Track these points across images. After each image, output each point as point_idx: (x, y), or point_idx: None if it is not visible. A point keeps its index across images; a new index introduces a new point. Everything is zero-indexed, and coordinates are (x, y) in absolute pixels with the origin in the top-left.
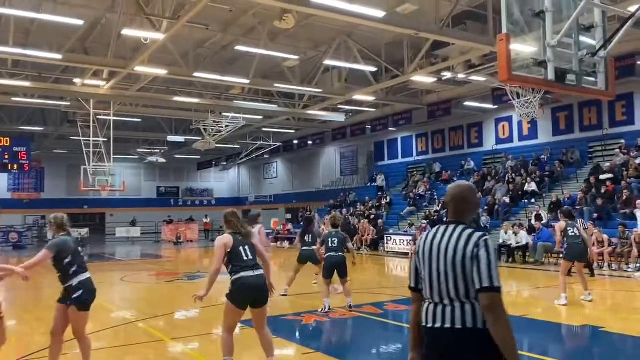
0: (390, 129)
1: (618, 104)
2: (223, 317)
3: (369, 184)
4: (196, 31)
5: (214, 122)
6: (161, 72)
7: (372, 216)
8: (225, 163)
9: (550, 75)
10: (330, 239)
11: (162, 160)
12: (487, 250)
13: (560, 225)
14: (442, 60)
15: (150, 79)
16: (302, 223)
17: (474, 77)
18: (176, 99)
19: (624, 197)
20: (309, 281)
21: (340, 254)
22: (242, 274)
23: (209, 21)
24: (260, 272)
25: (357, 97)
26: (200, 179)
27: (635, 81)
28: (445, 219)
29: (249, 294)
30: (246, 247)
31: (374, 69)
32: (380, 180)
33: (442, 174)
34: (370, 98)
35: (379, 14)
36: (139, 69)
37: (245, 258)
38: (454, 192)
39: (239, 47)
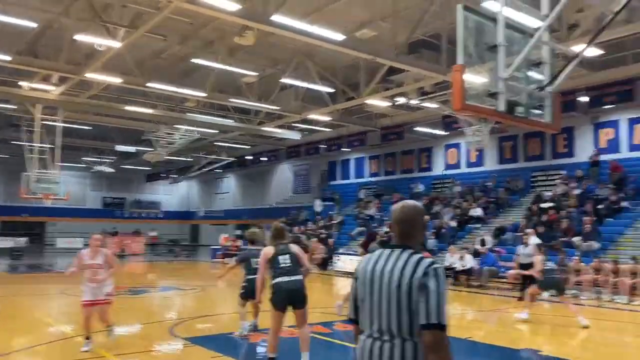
0: (344, 149)
1: (560, 137)
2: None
3: (321, 203)
4: (153, 41)
5: (166, 133)
6: (115, 80)
7: (323, 235)
8: (175, 176)
9: (501, 107)
10: (254, 259)
11: (110, 170)
12: (438, 281)
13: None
14: (396, 86)
15: (103, 86)
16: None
17: (426, 104)
18: (128, 108)
19: (564, 226)
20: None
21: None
22: (279, 279)
23: (168, 32)
24: (298, 277)
25: (313, 116)
26: (148, 191)
27: (576, 116)
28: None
29: (285, 297)
30: (286, 256)
31: (330, 90)
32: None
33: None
34: (326, 118)
35: (339, 37)
36: (92, 75)
37: (282, 265)
38: (399, 213)
39: (196, 60)
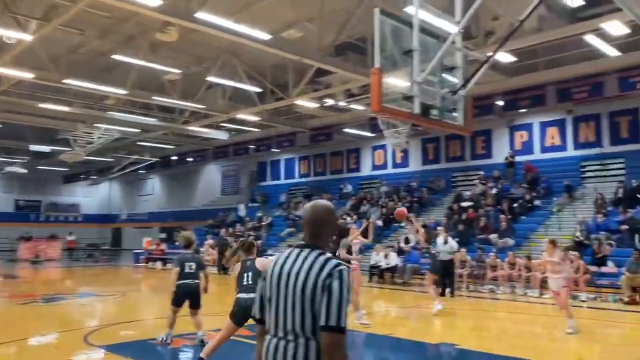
0: (273, 150)
1: (479, 139)
2: None
3: (250, 204)
4: (70, 35)
5: (85, 132)
6: (27, 75)
7: (251, 237)
8: (95, 177)
9: (416, 110)
10: (188, 264)
11: (22, 170)
12: (341, 283)
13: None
14: (324, 87)
15: (13, 82)
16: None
17: (353, 106)
18: (43, 105)
19: (482, 224)
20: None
21: (196, 281)
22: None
23: (85, 26)
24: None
25: (241, 116)
26: (66, 193)
27: (493, 119)
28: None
29: (243, 314)
30: (249, 273)
31: (258, 90)
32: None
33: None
34: (255, 118)
35: (264, 36)
36: (0, 70)
37: (245, 283)
38: (309, 213)
39: (116, 56)
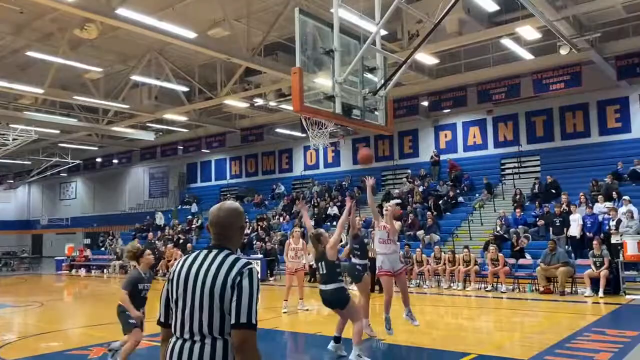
0: (203, 150)
1: (406, 138)
2: None
3: (180, 207)
4: None
5: None
6: None
7: (181, 240)
8: (12, 181)
9: (338, 109)
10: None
11: None
12: (251, 281)
13: None
14: (254, 87)
15: None
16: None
17: (284, 106)
18: None
19: (409, 221)
20: (105, 312)
21: None
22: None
23: None
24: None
25: (168, 116)
26: None
27: (419, 119)
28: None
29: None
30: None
31: (186, 89)
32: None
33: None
34: (183, 118)
35: (190, 34)
36: None
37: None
38: (215, 216)
39: (31, 53)
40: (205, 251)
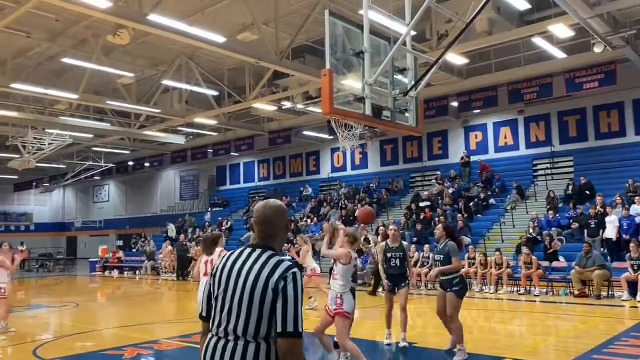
0: (232, 153)
1: (435, 139)
2: None
3: (210, 209)
4: (17, 38)
5: (35, 138)
6: None
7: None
8: (47, 184)
9: (368, 111)
10: None
11: None
12: (296, 287)
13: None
14: (282, 90)
15: None
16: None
17: (311, 108)
18: None
19: (438, 223)
20: (138, 312)
21: None
22: None
23: (32, 29)
24: None
25: (198, 119)
26: (17, 201)
27: (448, 120)
28: None
29: None
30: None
31: (215, 93)
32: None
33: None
34: (212, 122)
35: (219, 39)
36: None
37: None
38: (260, 214)
39: (66, 59)
40: (249, 249)
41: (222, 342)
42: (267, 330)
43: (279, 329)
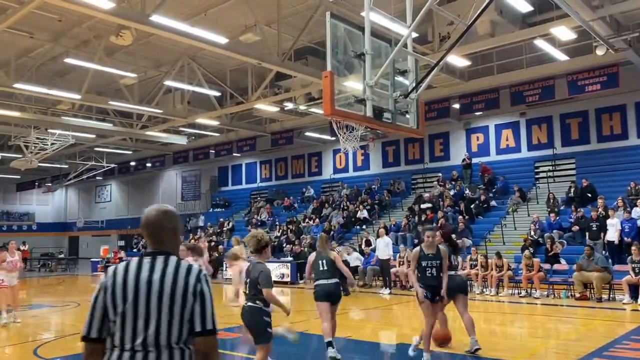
0: (234, 154)
1: (437, 141)
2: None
3: (211, 210)
4: (20, 38)
5: (38, 138)
6: None
7: (213, 243)
8: (50, 184)
9: (369, 113)
10: None
11: None
12: (209, 287)
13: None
14: (284, 91)
15: None
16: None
17: (314, 109)
18: None
19: (440, 225)
20: None
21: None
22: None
23: (35, 29)
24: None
25: (201, 120)
26: (19, 201)
27: (450, 122)
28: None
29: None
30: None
31: (217, 94)
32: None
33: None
34: (214, 122)
35: (222, 40)
36: None
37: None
38: (148, 218)
39: (69, 60)
40: (148, 258)
41: (140, 355)
42: (187, 334)
43: (199, 329)
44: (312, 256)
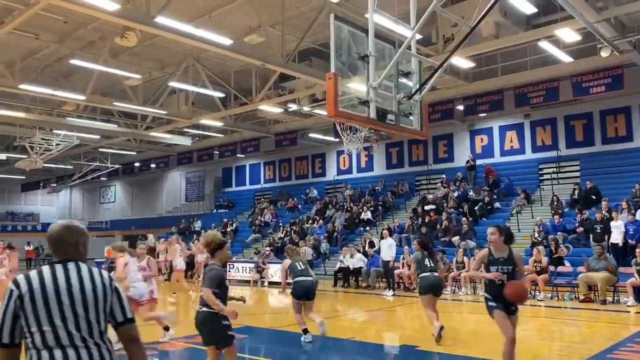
0: (238, 155)
1: (440, 143)
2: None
3: (215, 211)
4: (25, 40)
5: (43, 139)
6: None
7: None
8: (54, 185)
9: (372, 114)
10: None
11: None
12: (117, 283)
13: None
14: (288, 92)
15: None
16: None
17: (317, 111)
18: None
19: (444, 226)
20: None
21: None
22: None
23: (41, 31)
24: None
25: (205, 121)
26: (24, 201)
27: (454, 123)
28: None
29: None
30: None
31: (222, 95)
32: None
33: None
34: (218, 123)
35: (226, 41)
36: None
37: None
38: (51, 234)
39: (74, 61)
40: (60, 265)
41: (71, 350)
42: (106, 329)
43: (121, 319)
44: (286, 263)
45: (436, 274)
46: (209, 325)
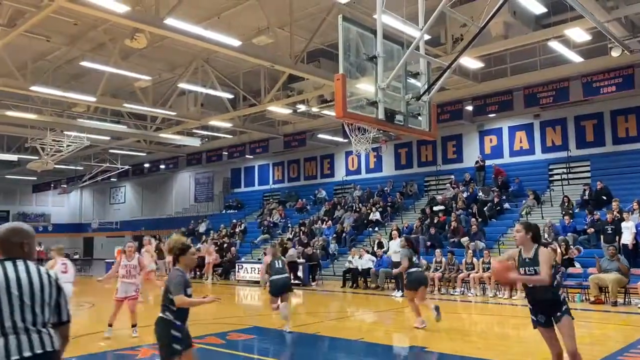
0: (247, 156)
1: (449, 144)
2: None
3: (224, 211)
4: (36, 42)
5: (54, 140)
6: None
7: (225, 244)
8: (65, 186)
9: (381, 115)
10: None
11: None
12: (60, 284)
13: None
14: (297, 93)
15: None
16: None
17: (326, 112)
18: (9, 113)
19: (453, 227)
20: (153, 312)
21: None
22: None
23: (52, 33)
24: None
25: (214, 122)
26: (35, 202)
27: (463, 124)
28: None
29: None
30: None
31: (230, 96)
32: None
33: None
34: (227, 124)
35: (235, 42)
36: None
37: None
38: (19, 234)
39: (85, 63)
40: (10, 262)
41: (12, 337)
42: (49, 319)
43: (65, 319)
44: (267, 259)
45: (421, 269)
46: (158, 330)
